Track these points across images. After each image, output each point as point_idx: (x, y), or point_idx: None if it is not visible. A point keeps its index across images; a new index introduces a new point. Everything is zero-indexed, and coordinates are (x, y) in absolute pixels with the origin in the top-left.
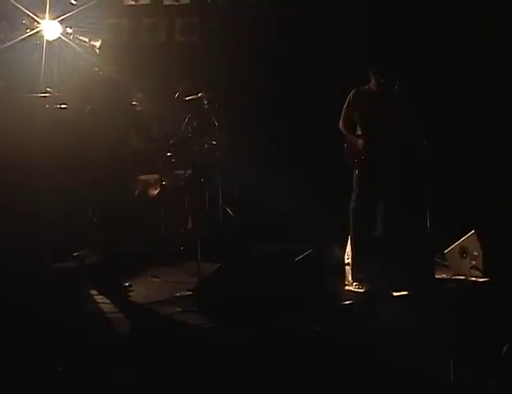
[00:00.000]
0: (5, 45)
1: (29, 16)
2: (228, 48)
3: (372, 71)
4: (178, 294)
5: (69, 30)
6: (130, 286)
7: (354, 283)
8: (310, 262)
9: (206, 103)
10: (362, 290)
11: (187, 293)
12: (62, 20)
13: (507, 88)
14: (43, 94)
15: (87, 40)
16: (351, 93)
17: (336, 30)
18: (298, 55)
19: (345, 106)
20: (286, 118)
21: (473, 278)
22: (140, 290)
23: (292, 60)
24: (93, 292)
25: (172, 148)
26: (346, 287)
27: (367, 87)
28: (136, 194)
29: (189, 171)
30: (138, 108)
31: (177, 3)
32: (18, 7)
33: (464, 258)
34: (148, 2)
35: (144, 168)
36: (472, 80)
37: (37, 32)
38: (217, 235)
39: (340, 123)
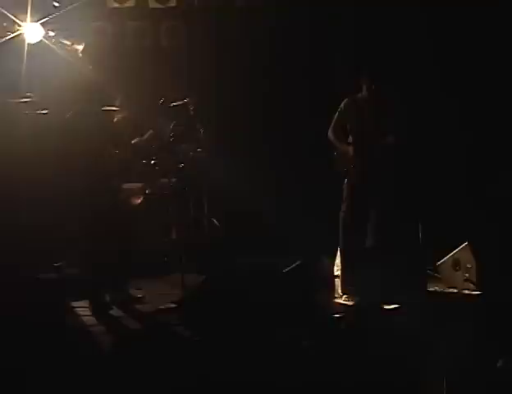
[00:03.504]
0: None
1: (10, 18)
2: (215, 52)
3: (364, 79)
4: (162, 306)
5: (51, 33)
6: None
7: (344, 296)
8: (298, 274)
9: (192, 109)
10: (352, 303)
11: (171, 306)
12: (44, 22)
13: (503, 97)
14: (23, 99)
15: (69, 43)
16: (343, 102)
17: (327, 36)
18: (288, 60)
19: (337, 114)
20: (276, 125)
21: (467, 291)
22: (123, 302)
23: (281, 65)
24: (75, 304)
25: (156, 155)
26: (336, 300)
27: (359, 95)
28: (119, 203)
29: (174, 180)
30: (121, 114)
31: (163, 6)
32: None
33: (456, 271)
34: (133, 4)
35: (128, 176)
36: (467, 89)
37: (18, 35)
38: (202, 246)
39: (330, 132)
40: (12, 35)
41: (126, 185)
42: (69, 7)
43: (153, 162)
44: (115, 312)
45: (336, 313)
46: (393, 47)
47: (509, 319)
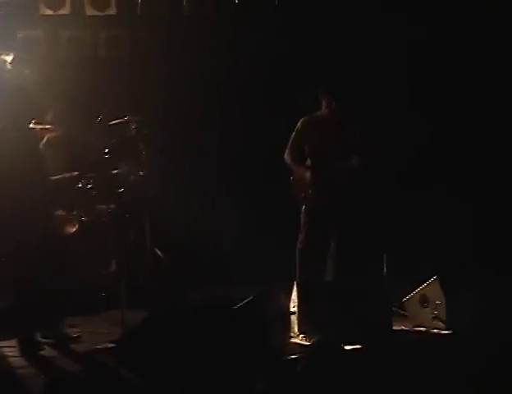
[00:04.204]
0: None
1: None
2: (160, 65)
3: (323, 94)
4: (99, 346)
5: None
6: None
7: (301, 335)
8: (251, 310)
9: (133, 127)
10: (309, 343)
11: (109, 346)
12: None
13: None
14: None
15: None
16: (300, 121)
17: (283, 47)
18: (240, 74)
19: (293, 135)
20: (230, 146)
21: (435, 330)
22: (55, 341)
23: (234, 79)
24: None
25: (93, 178)
26: (292, 339)
27: (318, 113)
28: (50, 232)
29: (113, 206)
30: (53, 132)
31: (101, 14)
32: None
33: (425, 308)
34: (68, 11)
35: (61, 202)
36: (439, 106)
37: None
38: (144, 279)
39: (286, 154)
40: None
41: (60, 212)
42: None
43: (89, 186)
44: (47, 353)
45: (292, 355)
46: (355, 57)
47: (482, 361)
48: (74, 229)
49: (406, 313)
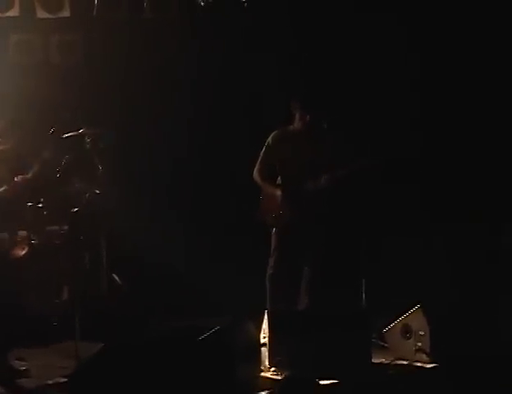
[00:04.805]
0: None
1: None
2: (119, 72)
3: (296, 107)
4: (50, 381)
5: None
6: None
7: (272, 369)
8: (217, 342)
9: (89, 141)
10: (281, 378)
11: (61, 380)
12: None
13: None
14: None
15: None
16: (270, 136)
17: (251, 55)
18: (206, 84)
19: (263, 151)
20: (192, 162)
21: (419, 363)
22: (2, 375)
23: (199, 89)
24: None
25: (44, 197)
26: (262, 374)
27: (290, 127)
28: None
29: (66, 227)
30: (2, 145)
31: (54, 16)
32: None
33: (407, 339)
34: (17, 14)
35: (8, 223)
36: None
37: None
38: (100, 308)
39: (255, 172)
40: None
41: (5, 234)
42: None
43: (40, 205)
44: None
45: (262, 390)
46: (334, 65)
47: None
48: (23, 252)
49: (387, 345)
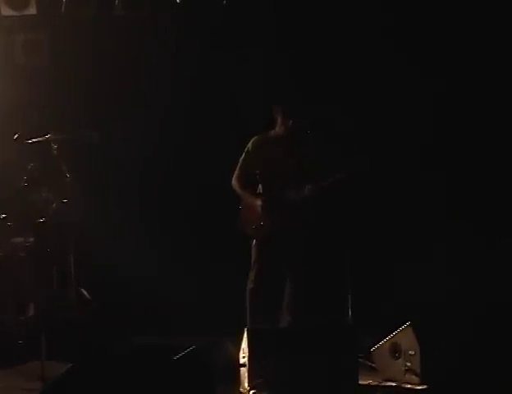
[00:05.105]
0: None
1: None
2: (88, 73)
3: (278, 110)
4: None
5: None
6: None
7: (252, 391)
8: (193, 361)
9: (55, 147)
10: None
11: None
12: None
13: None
14: None
15: None
16: (250, 142)
17: (229, 56)
18: (180, 85)
19: (242, 158)
20: (164, 170)
21: (408, 385)
22: None
23: (173, 91)
24: None
25: (8, 207)
26: None
27: (271, 132)
28: None
29: (32, 239)
30: None
31: (18, 14)
32: None
33: (396, 359)
34: None
35: None
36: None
37: None
38: (68, 325)
39: (234, 180)
40: None
41: None
42: None
43: (3, 215)
44: None
45: None
46: (316, 69)
47: None
48: None
49: (374, 365)
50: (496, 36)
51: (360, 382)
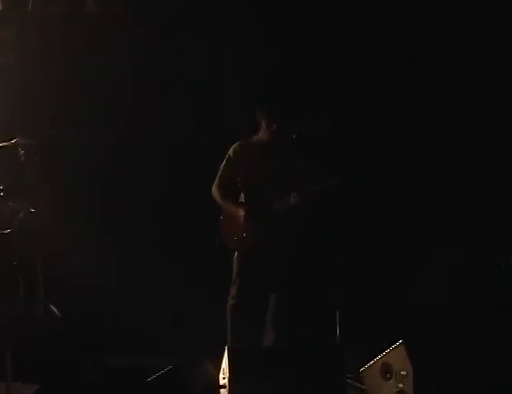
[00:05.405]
0: None
1: None
2: (58, 73)
3: (261, 114)
4: None
5: None
6: None
7: None
8: (169, 383)
9: (22, 153)
10: None
11: None
12: None
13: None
14: None
15: None
16: (232, 148)
17: (208, 56)
18: (154, 86)
19: (223, 164)
20: (137, 177)
21: None
22: None
23: (146, 92)
24: None
25: None
26: None
27: (255, 138)
28: None
29: None
30: None
31: None
32: None
33: (387, 380)
34: None
35: None
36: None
37: None
38: (35, 344)
39: (214, 188)
40: None
41: None
42: None
43: None
44: None
45: None
46: (301, 71)
47: None
48: None
49: (364, 387)
50: (496, 36)
51: None
